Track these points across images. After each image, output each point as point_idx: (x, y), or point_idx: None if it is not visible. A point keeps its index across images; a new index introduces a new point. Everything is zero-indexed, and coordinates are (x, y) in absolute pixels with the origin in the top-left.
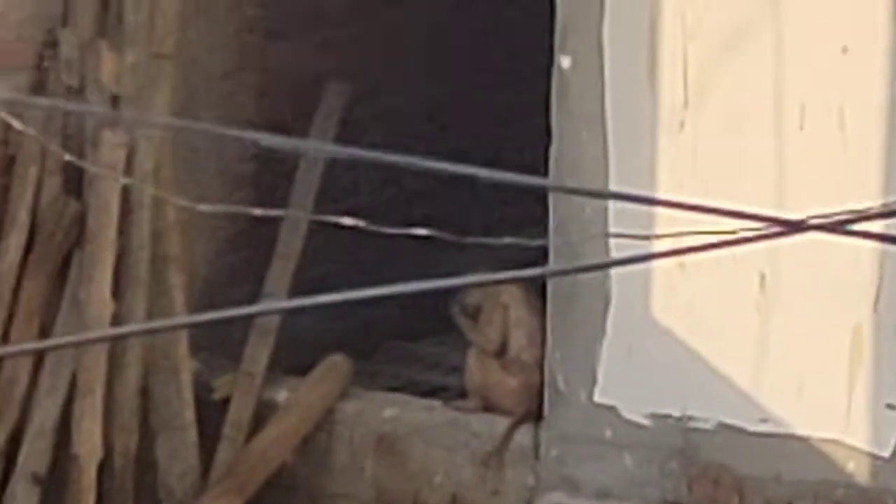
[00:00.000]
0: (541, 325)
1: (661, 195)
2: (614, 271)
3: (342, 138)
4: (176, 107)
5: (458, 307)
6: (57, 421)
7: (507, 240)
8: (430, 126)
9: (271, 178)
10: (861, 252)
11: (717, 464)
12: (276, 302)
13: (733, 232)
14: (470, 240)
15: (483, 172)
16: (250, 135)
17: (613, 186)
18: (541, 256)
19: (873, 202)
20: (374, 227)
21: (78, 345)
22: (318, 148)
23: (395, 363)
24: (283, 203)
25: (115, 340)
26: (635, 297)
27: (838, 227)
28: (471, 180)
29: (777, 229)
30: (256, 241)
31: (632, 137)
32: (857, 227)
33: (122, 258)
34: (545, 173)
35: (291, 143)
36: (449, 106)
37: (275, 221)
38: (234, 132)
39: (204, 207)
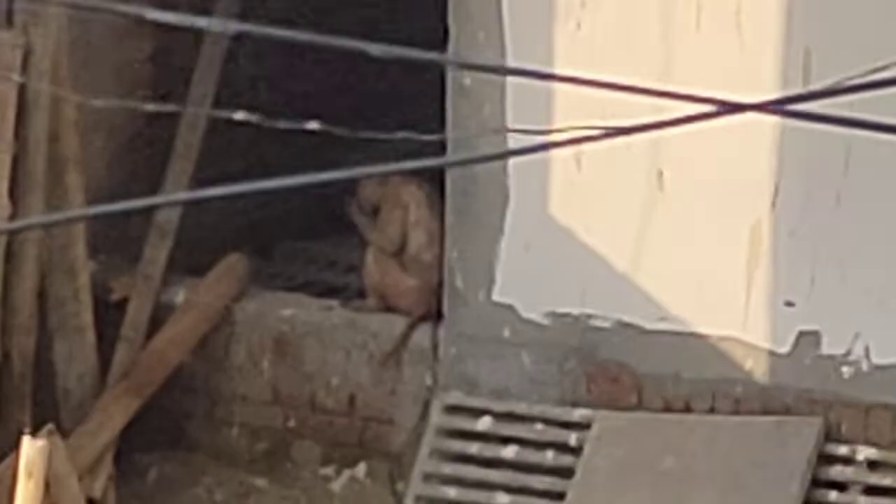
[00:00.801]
0: (440, 225)
1: (559, 96)
2: (512, 168)
3: (236, 38)
4: (69, 9)
5: (356, 205)
6: None
7: (403, 134)
8: (323, 27)
9: (169, 77)
10: (760, 150)
11: (616, 362)
12: (171, 195)
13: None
14: (365, 134)
15: (378, 48)
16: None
17: (510, 85)
18: (439, 154)
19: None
20: (269, 122)
21: None
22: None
23: (292, 262)
24: (181, 102)
25: (12, 241)
26: (533, 195)
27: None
28: (368, 79)
29: (675, 117)
30: (154, 140)
31: (529, 36)
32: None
33: (19, 159)
34: (441, 73)
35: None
36: (341, 4)
37: (173, 120)
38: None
39: (99, 102)
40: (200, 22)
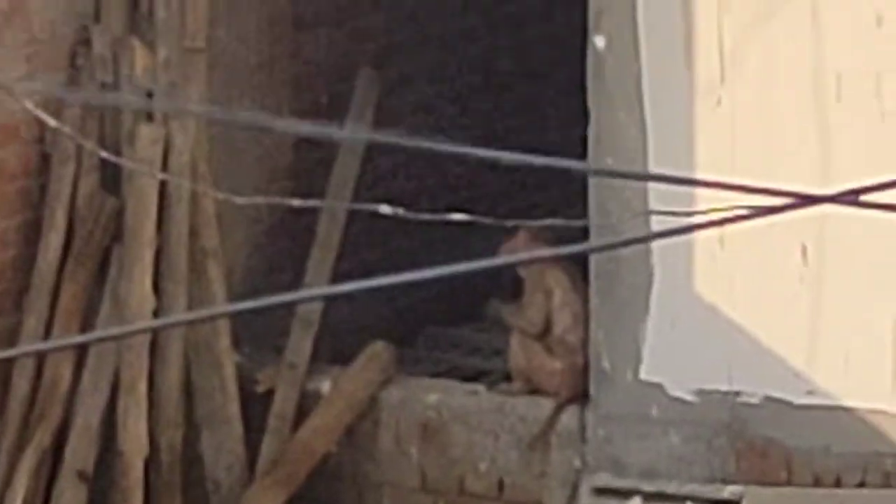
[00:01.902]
0: (584, 306)
1: (701, 172)
2: (656, 248)
3: (378, 126)
4: (210, 100)
5: (495, 304)
6: (101, 418)
7: (548, 221)
8: (466, 112)
9: (309, 167)
10: None
11: (765, 438)
12: (315, 289)
13: (775, 209)
14: (510, 223)
15: (525, 158)
16: (290, 123)
17: (652, 165)
18: (582, 237)
19: None
20: (412, 215)
21: (120, 337)
22: (354, 136)
23: (436, 349)
24: (321, 193)
25: (157, 336)
26: (678, 273)
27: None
28: (508, 165)
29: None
30: (295, 231)
31: (669, 115)
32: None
33: (161, 253)
34: (584, 155)
35: (329, 132)
36: (483, 91)
37: (313, 211)
38: (274, 121)
39: (241, 200)
40: (332, 132)
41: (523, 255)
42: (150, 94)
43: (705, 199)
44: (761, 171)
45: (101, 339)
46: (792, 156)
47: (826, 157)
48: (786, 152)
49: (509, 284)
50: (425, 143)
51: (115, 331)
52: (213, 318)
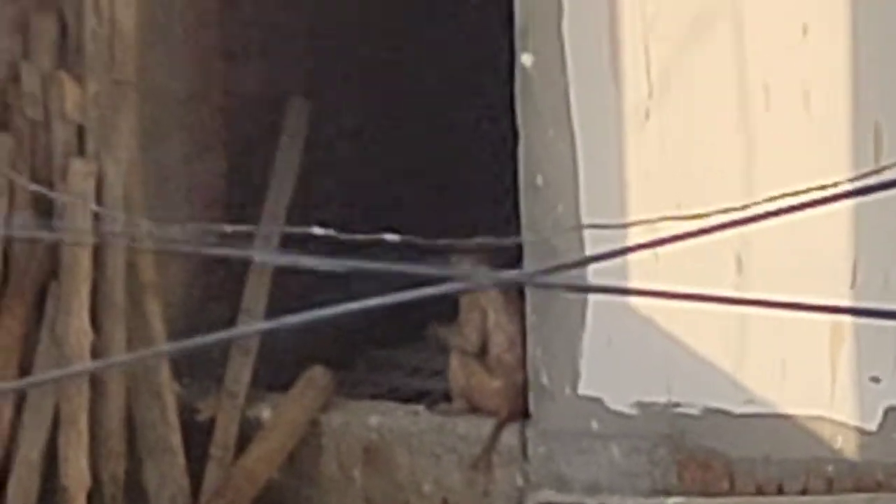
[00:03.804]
0: (520, 323)
1: (631, 186)
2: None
3: (309, 154)
4: (141, 132)
5: (434, 331)
6: (43, 452)
7: (480, 240)
8: (395, 137)
9: (243, 195)
10: (837, 228)
11: (706, 449)
12: (252, 324)
13: (705, 215)
14: (442, 242)
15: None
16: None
17: (582, 181)
18: (516, 255)
19: (841, 178)
20: (346, 236)
21: (60, 378)
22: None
23: (376, 371)
24: (255, 221)
25: (96, 369)
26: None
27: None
28: (441, 187)
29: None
30: (230, 259)
31: (598, 131)
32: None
33: (97, 287)
34: (514, 172)
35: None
36: (413, 116)
37: (248, 238)
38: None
39: (175, 230)
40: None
41: (458, 286)
42: (80, 128)
43: (637, 211)
44: (690, 183)
45: (40, 383)
46: (721, 168)
47: (754, 168)
48: (715, 164)
49: (447, 306)
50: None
51: (54, 373)
52: (154, 357)
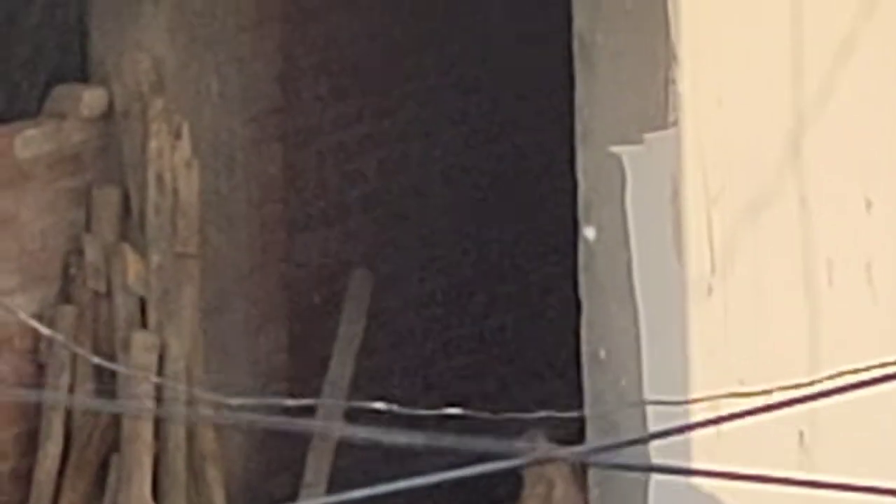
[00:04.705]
0: (585, 498)
1: (694, 362)
2: (653, 443)
3: (372, 326)
4: (203, 305)
5: None
6: None
7: (543, 413)
8: (459, 308)
9: (304, 369)
10: None
11: None
12: (315, 498)
13: (768, 392)
14: (506, 416)
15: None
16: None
17: (645, 356)
18: (578, 429)
19: None
20: (407, 410)
21: None
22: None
23: None
24: (316, 393)
25: None
26: (675, 462)
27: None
28: (504, 359)
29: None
30: (293, 433)
31: (661, 306)
32: None
33: (159, 459)
34: (576, 346)
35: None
36: (475, 287)
37: (310, 411)
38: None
39: (234, 401)
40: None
41: (525, 458)
42: (143, 301)
43: (700, 387)
44: (753, 359)
45: None
46: (785, 344)
47: (818, 345)
48: (778, 340)
49: (513, 482)
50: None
51: None
52: None
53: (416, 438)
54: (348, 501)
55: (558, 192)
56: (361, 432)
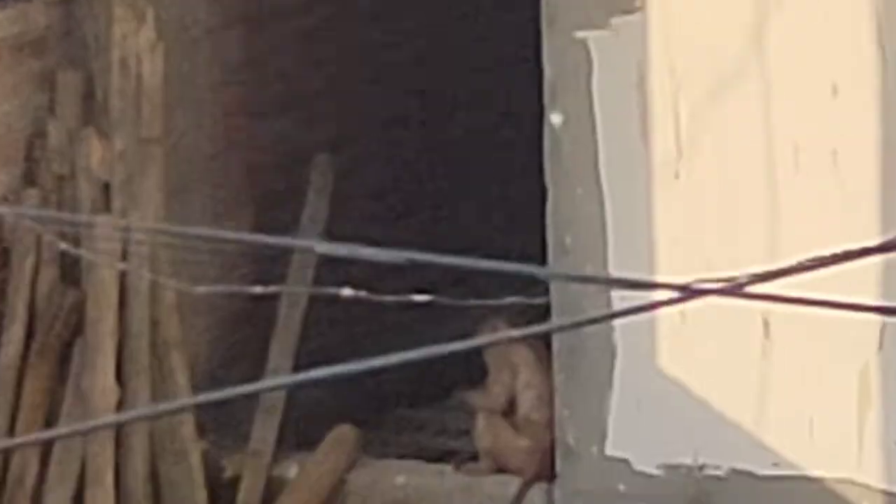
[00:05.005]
0: (549, 383)
1: (660, 246)
2: (618, 324)
3: (334, 213)
4: (167, 189)
5: (462, 394)
6: None
7: (509, 300)
8: (421, 196)
9: (268, 253)
10: (864, 291)
11: None
12: (279, 378)
13: (733, 279)
14: (471, 303)
15: (481, 264)
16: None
17: (611, 242)
18: (544, 314)
19: (871, 240)
20: (373, 297)
21: (86, 433)
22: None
23: (403, 430)
24: (281, 278)
25: (122, 427)
26: (640, 349)
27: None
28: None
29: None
30: (256, 317)
31: (627, 191)
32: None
33: (122, 344)
34: (542, 232)
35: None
36: (439, 173)
37: (274, 297)
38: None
39: (201, 290)
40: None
41: (489, 337)
42: (106, 185)
43: (665, 271)
44: (719, 243)
45: (65, 436)
46: (749, 228)
47: (781, 229)
48: (743, 225)
49: (475, 365)
50: (382, 254)
51: (78, 425)
52: (178, 411)
53: (400, 257)
54: (310, 381)
55: (524, 77)
56: (341, 250)
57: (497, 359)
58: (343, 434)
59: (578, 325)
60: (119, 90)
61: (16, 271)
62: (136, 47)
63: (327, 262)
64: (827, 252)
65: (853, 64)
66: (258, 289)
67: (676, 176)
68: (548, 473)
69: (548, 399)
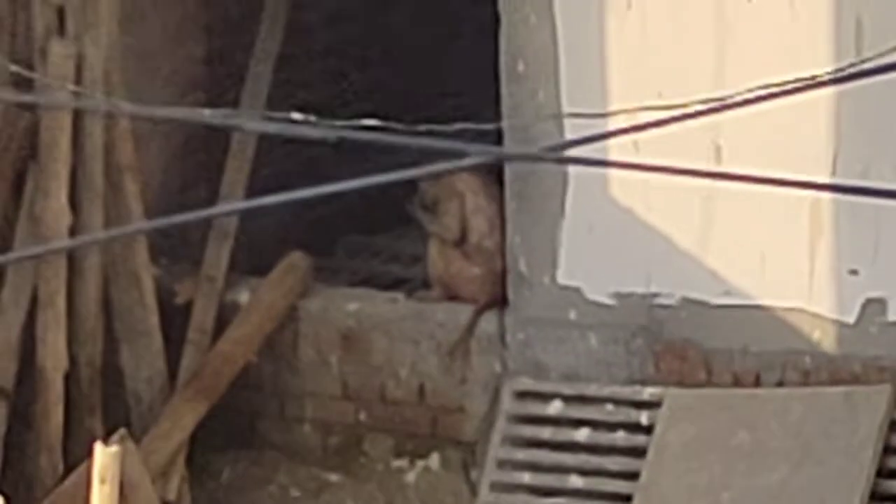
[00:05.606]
0: (500, 211)
1: (611, 73)
2: (570, 152)
3: (289, 41)
4: (121, 15)
5: (416, 202)
6: (20, 335)
7: (459, 126)
8: (375, 24)
9: (222, 79)
10: (817, 120)
11: (683, 339)
12: (232, 203)
13: (683, 106)
14: (422, 128)
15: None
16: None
17: (563, 69)
18: (496, 142)
19: (822, 70)
20: (325, 123)
21: (38, 257)
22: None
23: (355, 257)
24: (235, 104)
25: (74, 251)
26: (593, 177)
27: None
28: (421, 72)
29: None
30: (210, 144)
31: (580, 19)
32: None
33: (76, 169)
34: (495, 61)
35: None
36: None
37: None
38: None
39: (157, 112)
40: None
41: (438, 167)
42: (61, 9)
43: (617, 100)
44: (671, 71)
45: (20, 259)
46: (700, 58)
47: (733, 59)
48: (696, 54)
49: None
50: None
51: (31, 250)
52: (131, 236)
53: (331, 133)
54: (263, 206)
55: None
56: (271, 127)
57: (445, 188)
58: (295, 260)
59: (529, 157)
60: None
61: None
62: None
63: (280, 88)
64: (777, 80)
65: None
66: (208, 111)
67: (629, 6)
68: (499, 301)
69: (499, 226)
